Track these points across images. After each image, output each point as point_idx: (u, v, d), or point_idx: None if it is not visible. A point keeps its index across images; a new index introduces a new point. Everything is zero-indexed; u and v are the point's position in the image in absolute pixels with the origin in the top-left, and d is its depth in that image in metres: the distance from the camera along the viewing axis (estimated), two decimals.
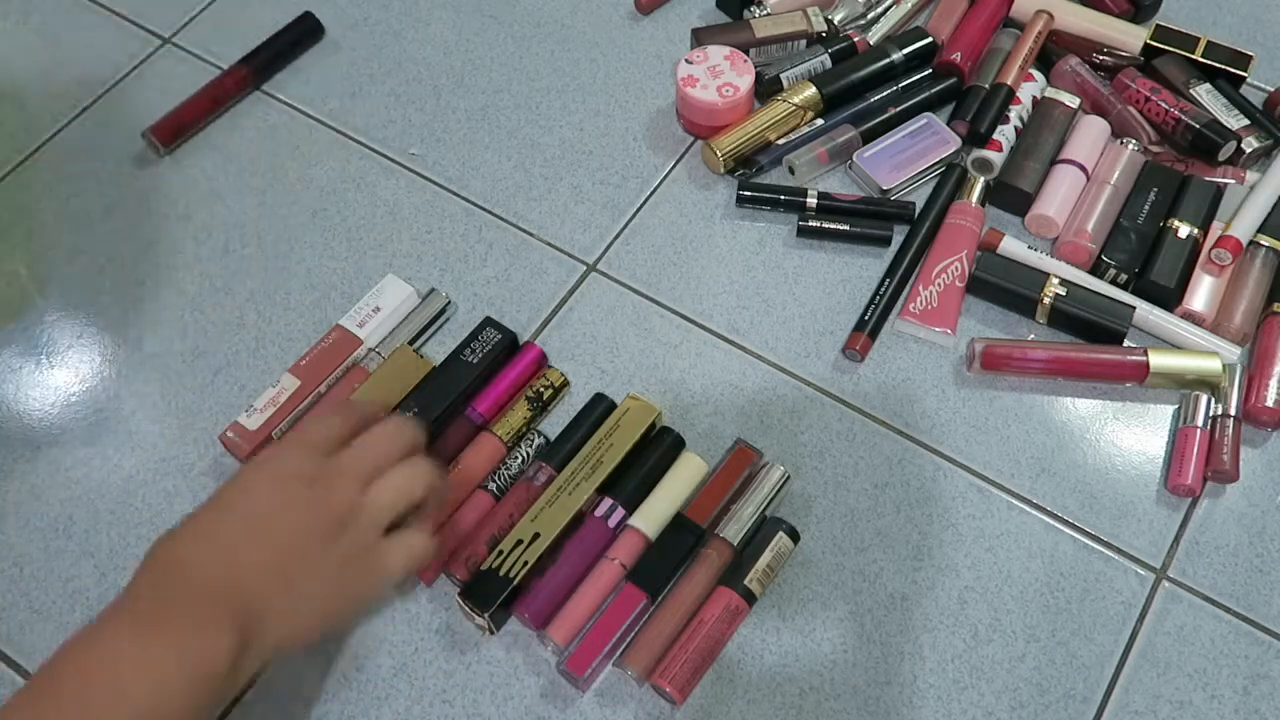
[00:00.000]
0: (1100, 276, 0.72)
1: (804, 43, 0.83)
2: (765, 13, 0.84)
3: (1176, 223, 0.72)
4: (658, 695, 0.58)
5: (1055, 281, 0.70)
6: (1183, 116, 0.76)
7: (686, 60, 0.78)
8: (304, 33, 0.85)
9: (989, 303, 0.72)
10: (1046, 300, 0.69)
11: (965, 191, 0.75)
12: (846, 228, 0.74)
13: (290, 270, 0.74)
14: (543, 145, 0.80)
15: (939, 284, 0.71)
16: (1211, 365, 0.67)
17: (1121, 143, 0.75)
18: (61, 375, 0.71)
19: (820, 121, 0.79)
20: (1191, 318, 0.70)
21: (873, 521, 0.64)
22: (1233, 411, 0.66)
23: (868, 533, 0.64)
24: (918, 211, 0.75)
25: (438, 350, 0.70)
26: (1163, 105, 0.77)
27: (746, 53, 0.79)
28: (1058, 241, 0.73)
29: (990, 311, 0.72)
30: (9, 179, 0.80)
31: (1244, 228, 0.71)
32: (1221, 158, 0.75)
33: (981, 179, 0.75)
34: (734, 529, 0.61)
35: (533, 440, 0.65)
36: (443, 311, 0.71)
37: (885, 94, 0.79)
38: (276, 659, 0.50)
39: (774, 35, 0.82)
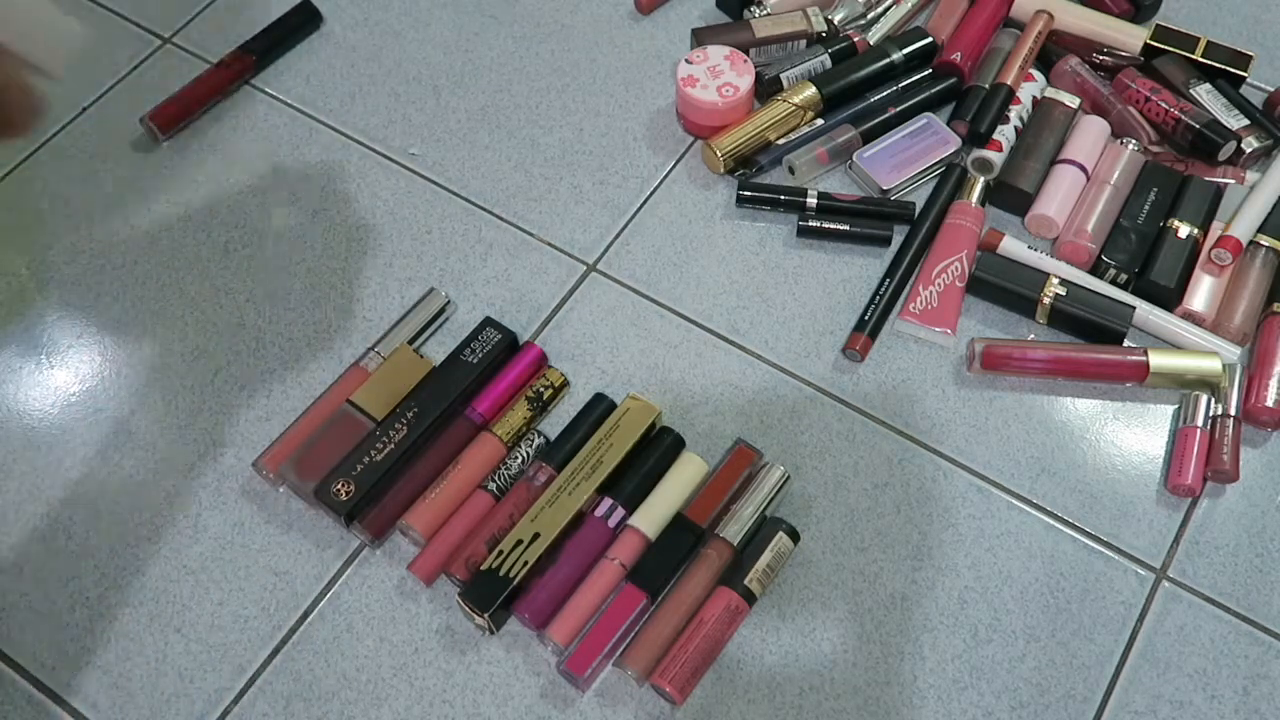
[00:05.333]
0: (1100, 276, 0.72)
1: (804, 43, 0.83)
2: (765, 13, 0.83)
3: (1176, 223, 0.72)
4: (658, 695, 0.58)
5: (1055, 281, 0.70)
6: (1183, 116, 0.76)
7: (686, 60, 0.78)
8: (303, 19, 0.86)
9: (989, 303, 0.72)
10: (1046, 300, 0.69)
11: (965, 191, 0.75)
12: (846, 228, 0.74)
13: (290, 270, 0.74)
14: (543, 145, 0.80)
15: (939, 284, 0.71)
16: (1211, 365, 0.67)
17: (1121, 143, 0.75)
18: (61, 375, 0.70)
19: (820, 121, 0.79)
20: (1191, 318, 0.70)
21: (873, 521, 0.64)
22: (1233, 411, 0.66)
23: (868, 533, 0.64)
24: (918, 211, 0.75)
25: (438, 350, 0.70)
26: (1163, 105, 0.77)
27: (746, 53, 0.79)
28: (1058, 241, 0.73)
29: (990, 311, 0.72)
30: (9, 179, 0.80)
31: (1244, 228, 0.71)
32: (1221, 158, 0.75)
33: (981, 179, 0.75)
34: (734, 529, 0.61)
35: (533, 440, 0.65)
36: (442, 311, 0.71)
37: (885, 94, 0.79)
38: None
39: (774, 35, 0.82)
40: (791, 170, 0.77)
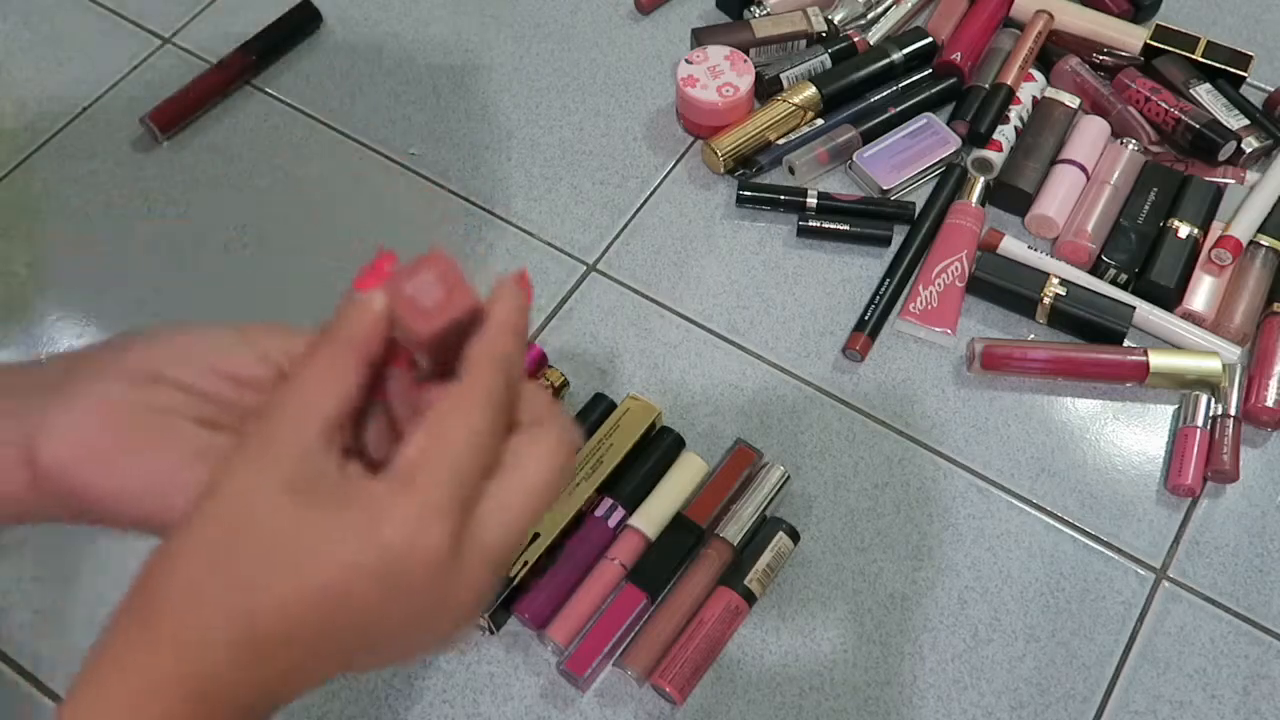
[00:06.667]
0: (1100, 276, 0.72)
1: (804, 43, 0.83)
2: (765, 13, 0.83)
3: (1176, 223, 0.72)
4: (658, 695, 0.58)
5: (1055, 281, 0.70)
6: (1183, 116, 0.76)
7: (686, 60, 0.78)
8: (303, 19, 0.86)
9: (989, 303, 0.72)
10: (1046, 300, 0.69)
11: (965, 191, 0.75)
12: (846, 228, 0.74)
13: (290, 270, 0.74)
14: (543, 145, 0.80)
15: (939, 284, 0.71)
16: (1211, 365, 0.67)
17: (1121, 143, 0.75)
18: None
19: (820, 121, 0.79)
20: (1191, 318, 0.70)
21: (873, 521, 0.64)
22: (1233, 411, 0.66)
23: (868, 533, 0.64)
24: (918, 211, 0.75)
25: None
26: (1163, 105, 0.77)
27: (746, 53, 0.79)
28: (1058, 241, 0.73)
29: (990, 311, 0.72)
30: (9, 179, 0.79)
31: (1244, 228, 0.71)
32: (1221, 158, 0.75)
33: (981, 179, 0.75)
34: (734, 529, 0.61)
35: None
36: None
37: (885, 94, 0.79)
38: None
39: (774, 35, 0.82)
40: (791, 170, 0.77)
